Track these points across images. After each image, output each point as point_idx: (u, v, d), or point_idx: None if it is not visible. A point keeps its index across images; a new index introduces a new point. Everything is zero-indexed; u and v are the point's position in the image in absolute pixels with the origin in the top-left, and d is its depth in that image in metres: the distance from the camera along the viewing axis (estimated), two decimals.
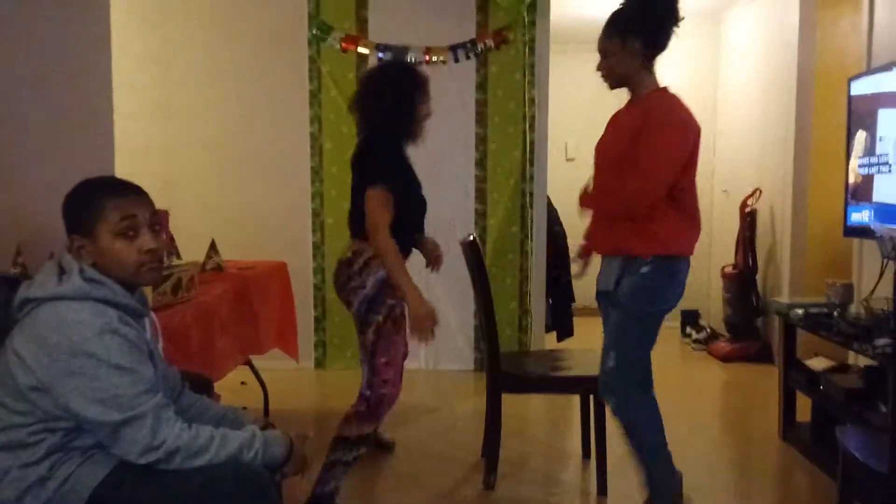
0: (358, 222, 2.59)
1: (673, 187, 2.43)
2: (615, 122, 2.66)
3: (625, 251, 2.50)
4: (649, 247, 2.46)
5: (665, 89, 2.51)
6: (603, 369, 2.58)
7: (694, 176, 2.51)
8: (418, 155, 4.26)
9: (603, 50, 2.53)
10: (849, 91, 3.53)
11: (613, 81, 2.55)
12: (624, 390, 2.55)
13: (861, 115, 3.36)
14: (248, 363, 3.74)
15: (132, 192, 1.71)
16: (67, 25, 3.12)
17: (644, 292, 2.46)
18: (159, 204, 1.78)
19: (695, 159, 2.48)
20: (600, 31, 2.53)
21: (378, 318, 2.55)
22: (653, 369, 2.61)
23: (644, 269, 2.46)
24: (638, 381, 2.58)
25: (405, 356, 2.67)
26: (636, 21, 2.44)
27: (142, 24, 4.67)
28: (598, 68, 2.57)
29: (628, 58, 2.46)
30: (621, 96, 2.66)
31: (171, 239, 3.34)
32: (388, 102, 2.60)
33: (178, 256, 3.30)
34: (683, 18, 2.45)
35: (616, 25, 2.48)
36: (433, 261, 2.89)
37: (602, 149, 2.62)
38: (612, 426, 3.00)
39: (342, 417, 2.62)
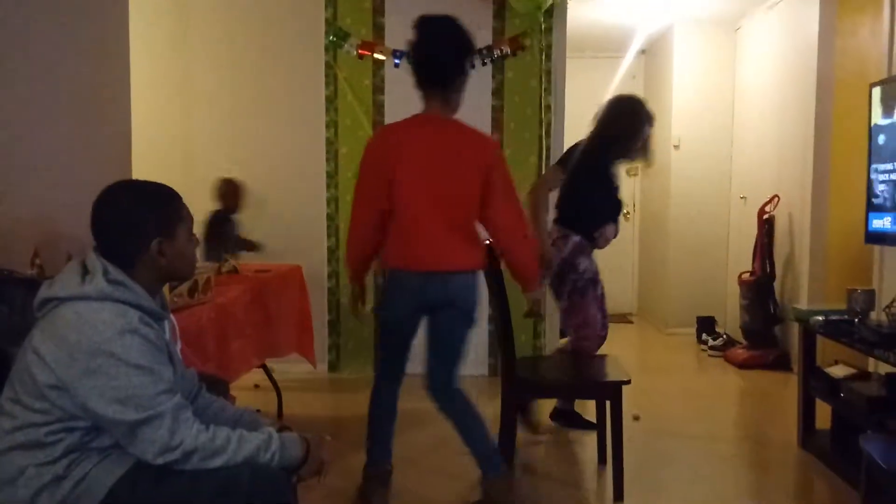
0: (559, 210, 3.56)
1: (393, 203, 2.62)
2: None
3: None
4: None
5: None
6: None
7: (408, 193, 2.59)
8: None
9: None
10: (870, 96, 3.50)
11: None
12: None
13: None
14: (263, 366, 3.74)
15: None
16: (86, 35, 3.14)
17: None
18: None
19: (400, 177, 2.58)
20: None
21: (566, 290, 3.46)
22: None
23: None
24: (382, 371, 2.85)
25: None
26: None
27: (159, 31, 4.70)
28: None
29: None
30: None
31: None
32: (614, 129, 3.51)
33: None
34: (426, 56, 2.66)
35: None
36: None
37: None
38: (629, 432, 2.98)
39: None
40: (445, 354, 2.74)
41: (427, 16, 2.70)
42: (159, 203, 1.73)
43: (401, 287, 2.69)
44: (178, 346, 1.94)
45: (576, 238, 3.48)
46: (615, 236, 3.61)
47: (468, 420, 2.73)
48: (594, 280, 3.52)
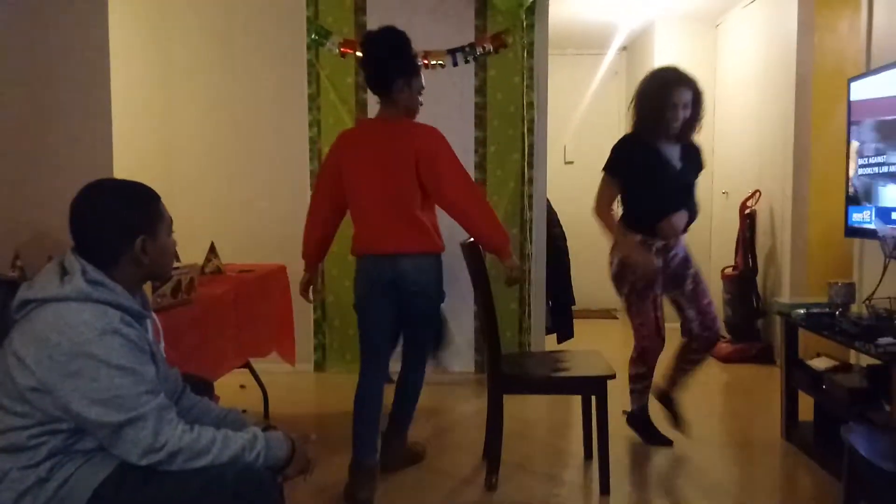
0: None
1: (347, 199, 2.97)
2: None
3: None
4: None
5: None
6: None
7: (356, 188, 2.92)
8: None
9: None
10: (848, 91, 3.53)
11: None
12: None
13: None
14: (248, 366, 3.73)
15: None
16: (66, 30, 3.12)
17: None
18: None
19: (349, 175, 2.93)
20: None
21: (624, 291, 3.38)
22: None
23: None
24: (362, 361, 3.01)
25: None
26: None
27: (141, 28, 4.67)
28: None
29: None
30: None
31: None
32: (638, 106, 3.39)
33: (178, 259, 3.29)
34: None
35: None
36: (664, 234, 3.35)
37: None
38: (614, 426, 3.00)
39: (630, 363, 3.50)
40: (412, 332, 3.06)
41: (370, 31, 3.09)
42: (141, 201, 1.73)
43: (358, 271, 3.00)
44: (161, 346, 1.93)
45: (635, 237, 3.35)
46: (688, 223, 3.38)
47: (409, 386, 3.14)
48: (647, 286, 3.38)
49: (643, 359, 3.48)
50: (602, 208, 3.39)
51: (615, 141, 3.50)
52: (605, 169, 3.42)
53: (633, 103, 3.44)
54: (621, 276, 3.40)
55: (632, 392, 3.55)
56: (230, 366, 3.23)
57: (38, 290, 1.61)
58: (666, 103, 3.28)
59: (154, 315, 1.89)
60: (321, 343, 4.84)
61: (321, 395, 4.50)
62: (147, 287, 2.14)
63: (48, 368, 1.53)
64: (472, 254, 3.01)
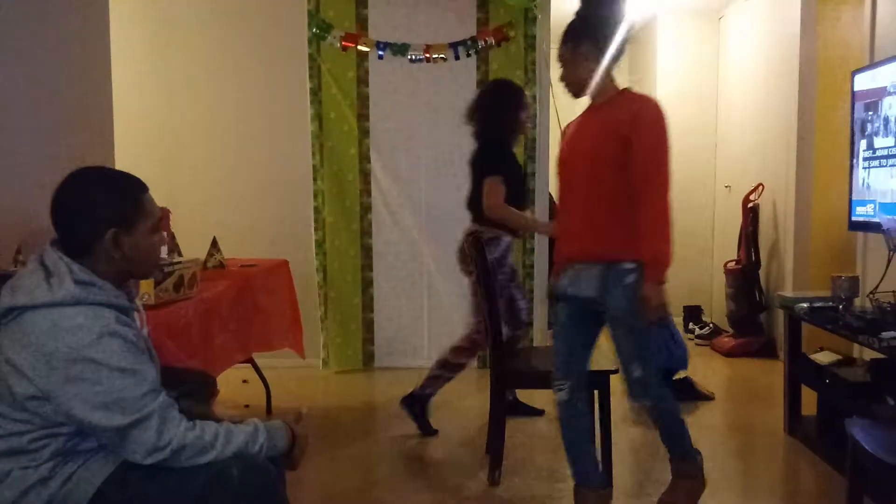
0: (477, 208, 3.36)
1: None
2: (585, 129, 2.60)
3: (609, 258, 2.47)
4: (634, 252, 2.44)
5: (629, 89, 2.61)
6: (632, 379, 2.51)
7: None
8: (422, 153, 4.38)
9: (561, 58, 2.59)
10: (852, 84, 3.51)
11: (575, 88, 2.59)
12: (656, 391, 2.56)
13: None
14: (251, 361, 3.73)
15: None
16: (67, 24, 3.11)
17: (636, 304, 2.40)
18: (160, 202, 1.77)
19: None
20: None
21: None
22: None
23: (630, 279, 2.43)
24: (660, 375, 2.63)
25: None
26: (585, 28, 2.60)
27: (141, 22, 4.65)
28: (560, 79, 2.63)
29: (583, 62, 2.52)
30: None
31: (173, 237, 3.33)
32: (501, 114, 3.49)
33: (180, 254, 3.29)
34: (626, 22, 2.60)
35: (569, 34, 2.60)
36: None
37: (583, 155, 2.55)
38: (616, 419, 2.99)
39: (451, 348, 3.54)
40: None
41: None
42: (120, 191, 1.65)
43: None
44: (146, 331, 1.85)
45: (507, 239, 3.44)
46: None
47: None
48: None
49: (473, 351, 3.58)
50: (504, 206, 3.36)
51: None
52: (495, 172, 3.38)
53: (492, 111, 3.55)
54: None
55: (442, 378, 3.53)
56: (233, 360, 3.23)
57: (26, 296, 1.54)
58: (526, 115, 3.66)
59: (139, 304, 1.85)
60: (326, 340, 4.81)
61: (324, 391, 4.49)
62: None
63: (46, 375, 1.49)
64: (476, 247, 3.00)
